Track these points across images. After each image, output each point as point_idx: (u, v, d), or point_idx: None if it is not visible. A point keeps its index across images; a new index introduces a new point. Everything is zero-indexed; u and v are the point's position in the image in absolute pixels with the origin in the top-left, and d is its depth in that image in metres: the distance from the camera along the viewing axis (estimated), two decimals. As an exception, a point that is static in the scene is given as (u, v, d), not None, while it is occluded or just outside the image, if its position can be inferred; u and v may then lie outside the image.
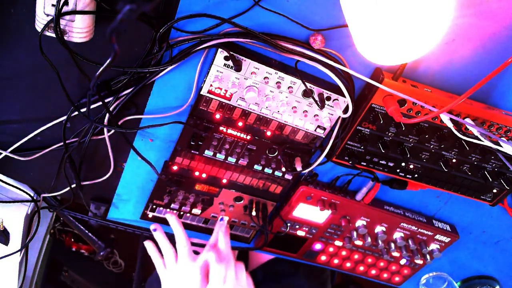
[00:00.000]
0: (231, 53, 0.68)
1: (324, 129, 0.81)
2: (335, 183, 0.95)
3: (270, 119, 0.80)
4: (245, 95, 0.74)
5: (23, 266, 0.98)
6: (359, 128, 0.79)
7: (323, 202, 0.94)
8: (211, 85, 0.73)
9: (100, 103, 0.73)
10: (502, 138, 0.77)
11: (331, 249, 1.08)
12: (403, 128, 0.79)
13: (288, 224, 1.00)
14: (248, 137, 0.82)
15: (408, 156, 0.81)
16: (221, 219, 0.95)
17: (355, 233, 1.00)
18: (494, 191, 0.91)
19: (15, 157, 0.81)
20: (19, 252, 0.91)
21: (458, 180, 0.88)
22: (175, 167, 0.87)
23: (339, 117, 0.78)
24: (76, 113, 0.75)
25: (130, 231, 0.99)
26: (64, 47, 0.62)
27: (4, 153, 0.80)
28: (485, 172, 0.86)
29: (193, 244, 0.94)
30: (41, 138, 0.80)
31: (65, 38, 0.62)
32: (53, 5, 0.59)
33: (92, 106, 0.74)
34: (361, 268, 1.15)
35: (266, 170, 0.89)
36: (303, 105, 0.77)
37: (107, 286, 1.49)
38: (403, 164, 0.86)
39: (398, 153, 0.83)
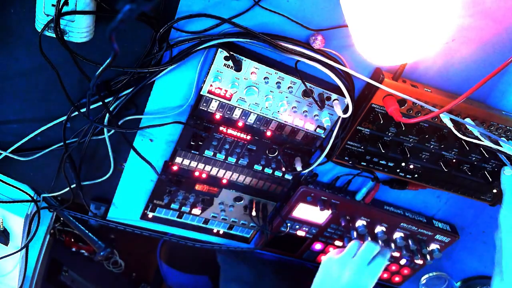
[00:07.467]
0: (231, 53, 0.68)
1: (324, 129, 0.81)
2: (335, 183, 0.95)
3: (270, 119, 0.80)
4: (245, 95, 0.74)
5: (23, 266, 0.98)
6: (359, 128, 0.79)
7: (323, 202, 0.94)
8: (211, 85, 0.73)
9: (100, 103, 0.73)
10: (502, 138, 0.77)
11: (331, 249, 1.08)
12: (403, 128, 0.79)
13: (288, 224, 1.00)
14: (248, 137, 0.82)
15: (408, 156, 0.81)
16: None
17: (355, 233, 1.00)
18: (494, 191, 0.91)
19: (15, 157, 0.81)
20: (19, 252, 0.91)
21: (458, 180, 0.88)
22: (175, 167, 0.87)
23: (339, 117, 0.78)
24: (76, 113, 0.75)
25: (130, 231, 0.99)
26: (64, 47, 0.62)
27: (4, 153, 0.80)
28: (485, 172, 0.86)
29: None
30: (41, 138, 0.80)
31: (65, 38, 0.62)
32: (53, 5, 0.59)
33: (92, 106, 0.74)
34: (361, 268, 1.15)
35: (266, 170, 0.89)
36: (303, 105, 0.77)
37: (107, 286, 1.49)
38: (403, 164, 0.85)
39: (398, 153, 0.82)
